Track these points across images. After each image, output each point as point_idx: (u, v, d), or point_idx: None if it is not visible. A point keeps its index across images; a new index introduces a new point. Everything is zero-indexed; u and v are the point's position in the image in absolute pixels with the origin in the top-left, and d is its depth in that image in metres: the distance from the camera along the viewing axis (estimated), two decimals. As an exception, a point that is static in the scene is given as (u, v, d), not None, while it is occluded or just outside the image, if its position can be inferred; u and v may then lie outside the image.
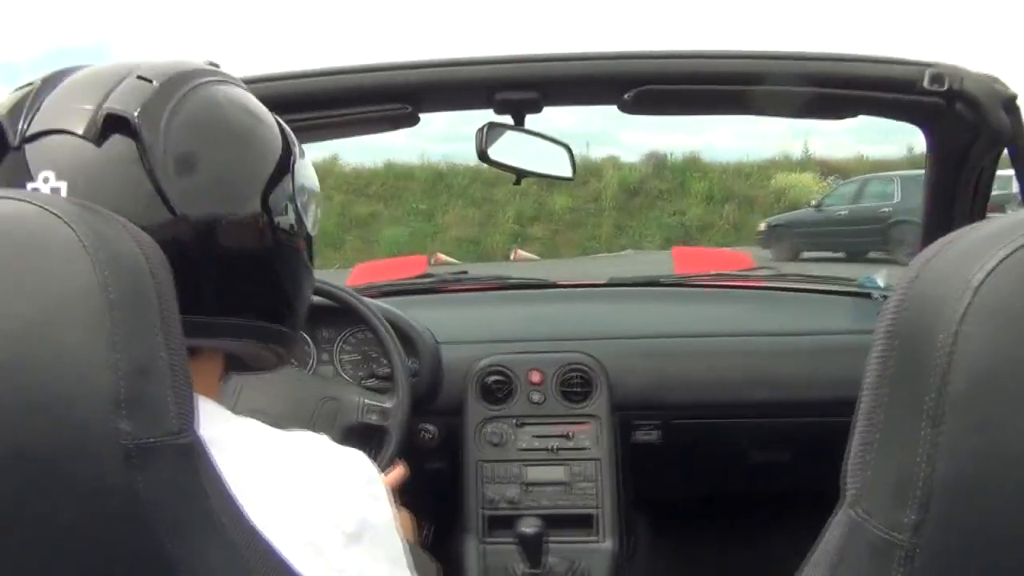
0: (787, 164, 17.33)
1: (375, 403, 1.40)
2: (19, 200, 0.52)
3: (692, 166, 17.34)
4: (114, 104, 0.62)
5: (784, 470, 1.80)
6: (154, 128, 0.62)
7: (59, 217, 0.50)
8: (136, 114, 0.62)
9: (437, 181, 16.82)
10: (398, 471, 1.24)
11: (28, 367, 0.48)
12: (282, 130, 0.74)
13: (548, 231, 15.99)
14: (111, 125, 0.62)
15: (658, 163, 17.40)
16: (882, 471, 0.44)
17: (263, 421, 0.70)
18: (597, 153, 17.04)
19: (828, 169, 17.06)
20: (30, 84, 0.66)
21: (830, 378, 1.58)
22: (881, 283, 1.78)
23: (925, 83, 1.11)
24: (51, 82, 0.65)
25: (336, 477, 0.67)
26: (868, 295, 1.80)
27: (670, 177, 17.03)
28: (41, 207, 0.51)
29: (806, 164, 17.30)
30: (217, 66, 0.74)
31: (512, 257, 13.62)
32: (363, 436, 1.42)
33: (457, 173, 16.69)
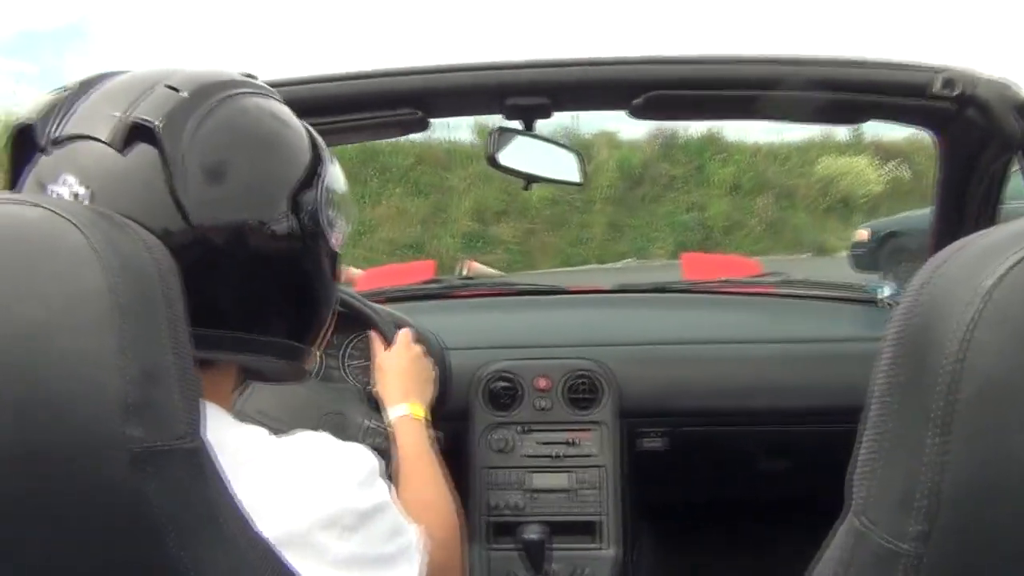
0: (832, 146, 12.88)
1: (379, 425, 1.40)
2: (31, 204, 0.52)
3: (712, 146, 12.65)
4: (140, 113, 0.63)
5: (790, 478, 1.79)
6: (177, 138, 0.63)
7: (70, 221, 0.51)
8: (160, 124, 0.62)
9: (368, 161, 11.50)
10: (403, 336, 1.29)
11: (37, 370, 0.48)
12: (313, 142, 0.73)
13: (519, 232, 11.69)
14: (135, 133, 0.62)
15: (668, 142, 12.69)
16: (888, 480, 0.44)
17: (267, 424, 0.70)
18: (588, 128, 11.72)
19: (886, 153, 12.78)
20: (67, 87, 0.67)
21: (838, 386, 1.57)
22: (889, 290, 1.77)
23: (936, 87, 1.11)
24: (87, 86, 0.66)
25: (336, 474, 0.67)
26: (877, 302, 1.79)
27: (684, 160, 12.58)
28: (53, 212, 0.51)
29: (857, 146, 12.87)
30: (253, 77, 0.74)
31: (463, 271, 4.79)
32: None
33: (398, 151, 11.81)
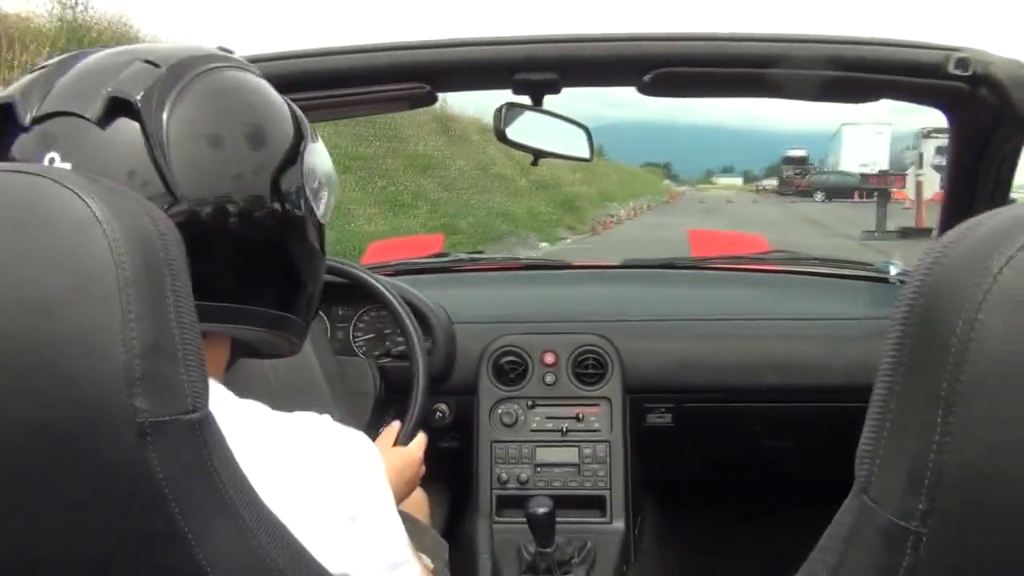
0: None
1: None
2: (35, 175, 0.52)
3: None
4: (119, 87, 0.63)
5: (796, 455, 1.80)
6: (158, 111, 0.63)
7: (74, 192, 0.51)
8: (139, 97, 0.62)
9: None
10: (420, 439, 1.25)
11: (42, 342, 0.48)
12: (294, 116, 0.73)
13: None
14: (115, 108, 0.62)
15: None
16: (894, 458, 0.44)
17: (273, 390, 0.70)
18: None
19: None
20: (46, 66, 0.67)
21: (845, 363, 1.57)
22: (899, 268, 1.77)
23: (950, 67, 1.10)
24: (66, 64, 0.66)
25: (336, 459, 0.68)
26: (885, 280, 1.79)
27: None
28: (56, 182, 0.51)
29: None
30: (230, 52, 0.74)
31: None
32: (382, 409, 1.44)
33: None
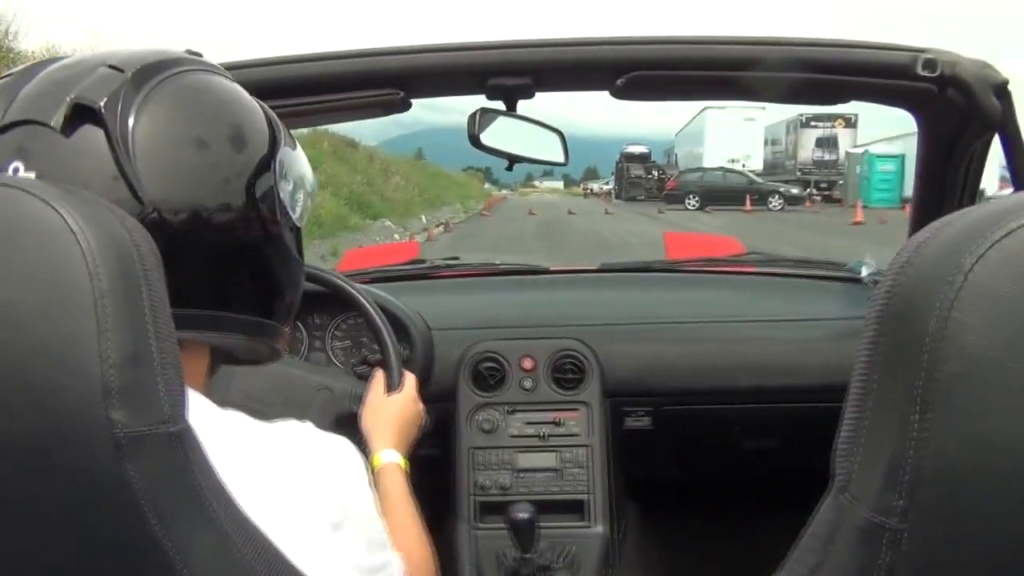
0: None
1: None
2: (4, 186, 0.51)
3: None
4: (82, 94, 0.62)
5: (775, 456, 1.81)
6: (123, 117, 0.62)
7: (46, 202, 0.50)
8: (103, 103, 0.61)
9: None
10: (409, 379, 1.31)
11: (16, 355, 0.47)
12: (268, 119, 0.73)
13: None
14: (78, 115, 0.61)
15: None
16: (871, 456, 0.44)
17: (255, 407, 0.70)
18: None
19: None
20: (11, 74, 0.66)
21: (821, 364, 1.58)
22: (872, 268, 1.79)
23: (918, 69, 1.11)
24: (29, 73, 0.65)
25: (320, 465, 0.67)
26: (859, 280, 1.81)
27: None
28: (28, 192, 0.51)
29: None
30: (198, 55, 0.73)
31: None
32: (356, 424, 1.42)
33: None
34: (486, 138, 1.22)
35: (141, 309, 0.51)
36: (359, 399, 1.32)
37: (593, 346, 1.65)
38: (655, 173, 39.64)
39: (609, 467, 1.61)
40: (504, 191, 73.64)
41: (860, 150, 30.14)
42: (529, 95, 1.22)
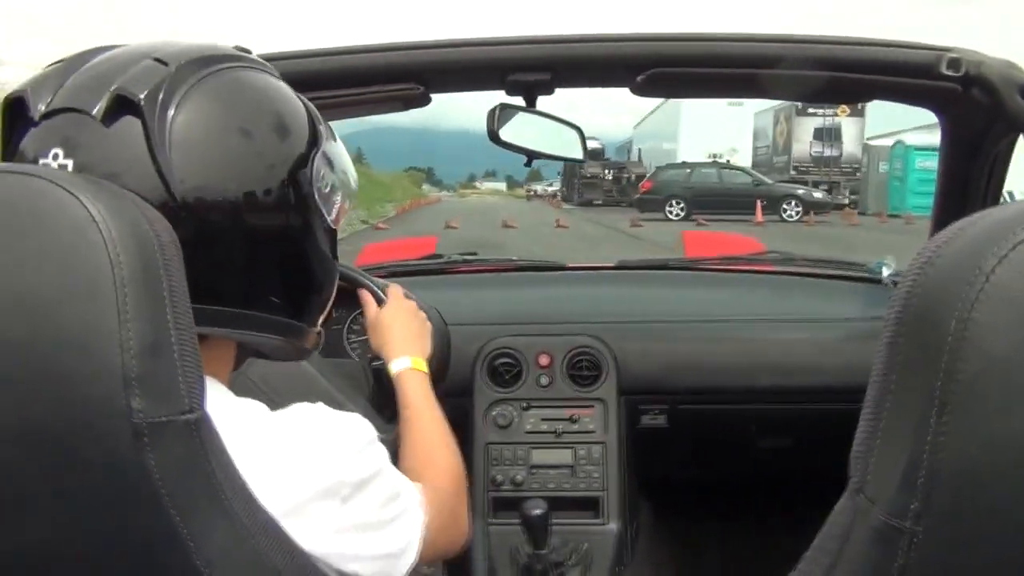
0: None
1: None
2: (29, 175, 0.52)
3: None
4: (124, 85, 0.62)
5: (790, 456, 1.80)
6: (162, 111, 0.62)
7: (70, 192, 0.51)
8: (143, 96, 0.62)
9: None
10: (393, 287, 1.31)
11: (38, 343, 0.48)
12: (310, 116, 0.72)
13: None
14: (119, 106, 0.62)
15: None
16: (888, 458, 0.44)
17: (265, 391, 0.70)
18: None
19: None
20: (62, 60, 0.67)
21: (839, 364, 1.57)
22: (892, 269, 1.77)
23: (942, 68, 1.10)
24: (80, 60, 0.66)
25: (333, 443, 0.67)
26: (878, 281, 1.79)
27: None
28: (51, 182, 0.51)
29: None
30: (248, 52, 0.73)
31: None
32: (376, 411, 1.43)
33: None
34: (505, 134, 1.22)
35: (161, 298, 0.51)
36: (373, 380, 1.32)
37: (610, 343, 1.65)
38: (614, 171, 31.81)
39: (624, 464, 1.61)
40: (442, 192, 71.71)
41: (886, 141, 24.34)
42: (549, 91, 1.22)
